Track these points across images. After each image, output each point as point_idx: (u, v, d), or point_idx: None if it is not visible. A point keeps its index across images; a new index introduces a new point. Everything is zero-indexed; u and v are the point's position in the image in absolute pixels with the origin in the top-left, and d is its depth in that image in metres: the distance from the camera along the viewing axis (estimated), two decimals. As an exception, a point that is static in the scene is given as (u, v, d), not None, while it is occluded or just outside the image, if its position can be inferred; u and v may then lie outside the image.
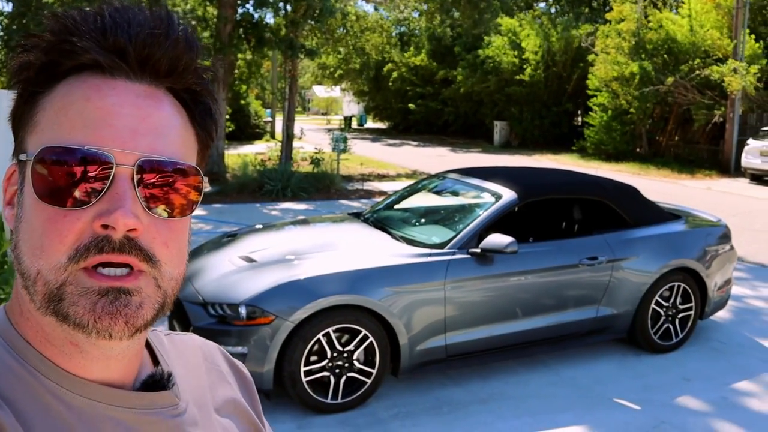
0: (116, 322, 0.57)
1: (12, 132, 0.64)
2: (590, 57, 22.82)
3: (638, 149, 22.26)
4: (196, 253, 4.45)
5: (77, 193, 0.57)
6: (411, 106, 32.55)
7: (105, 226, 0.56)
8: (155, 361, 0.72)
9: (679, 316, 4.92)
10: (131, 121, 0.59)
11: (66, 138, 0.57)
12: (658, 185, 15.47)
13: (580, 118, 27.56)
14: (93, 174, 0.57)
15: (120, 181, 0.57)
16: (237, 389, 0.83)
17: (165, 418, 0.66)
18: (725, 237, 5.24)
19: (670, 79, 19.02)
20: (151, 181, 0.59)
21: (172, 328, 3.97)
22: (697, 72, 18.76)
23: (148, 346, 0.72)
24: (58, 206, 0.57)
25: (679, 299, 4.90)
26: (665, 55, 20.10)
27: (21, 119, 0.62)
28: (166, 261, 0.61)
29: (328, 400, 3.78)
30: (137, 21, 0.60)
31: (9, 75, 0.63)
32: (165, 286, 0.62)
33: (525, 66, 26.23)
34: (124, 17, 0.59)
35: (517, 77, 26.31)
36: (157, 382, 0.68)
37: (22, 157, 0.61)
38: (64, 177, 0.57)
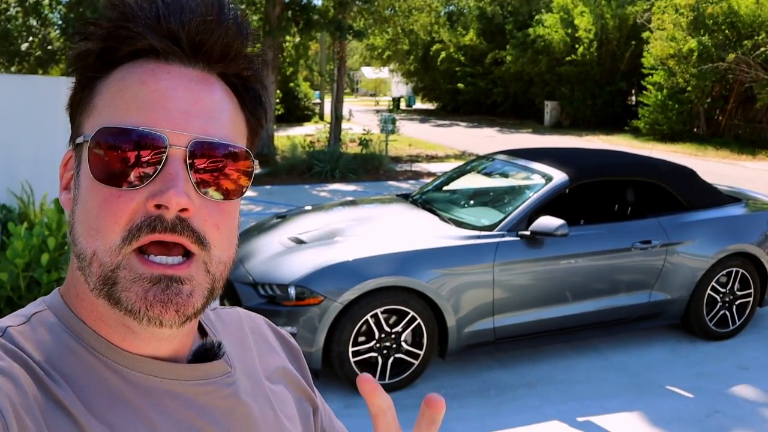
0: (167, 310, 0.58)
1: (69, 119, 0.66)
2: (645, 34, 22.06)
3: (695, 129, 21.48)
4: (246, 235, 4.54)
5: (131, 174, 0.58)
6: (460, 85, 32.21)
7: (158, 206, 0.57)
8: (202, 334, 0.73)
9: (737, 302, 4.76)
10: (184, 103, 0.60)
11: (121, 119, 0.59)
12: (716, 167, 14.93)
13: (633, 98, 26.76)
14: (147, 155, 0.58)
15: (173, 162, 0.58)
16: (285, 358, 0.84)
17: (220, 387, 0.67)
18: (788, 221, 5.03)
19: (731, 56, 18.23)
20: (203, 163, 0.60)
21: (224, 306, 4.07)
22: (763, 48, 17.90)
23: None
24: (113, 186, 0.58)
25: (737, 285, 4.74)
26: (726, 30, 19.24)
27: (79, 105, 0.64)
28: (217, 244, 0.62)
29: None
30: (189, 7, 0.61)
31: (67, 62, 0.65)
32: (214, 271, 0.62)
33: (577, 45, 25.56)
34: (176, 4, 0.60)
35: (569, 57, 25.66)
36: (208, 351, 0.69)
37: (79, 140, 0.62)
38: (119, 158, 0.58)
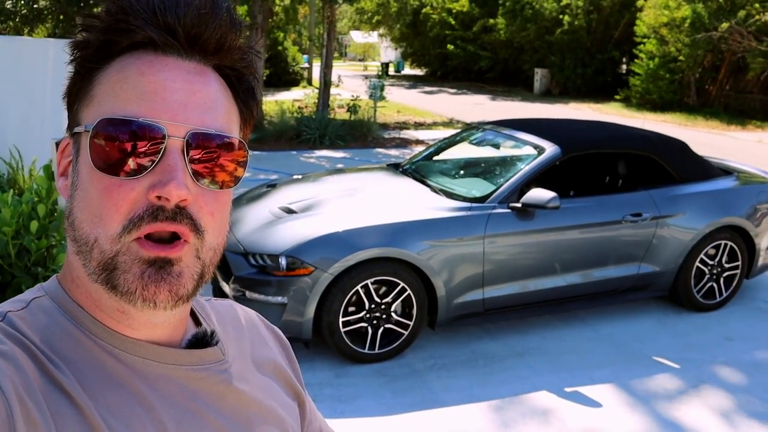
0: (161, 290, 0.60)
1: (66, 107, 0.67)
2: (639, 2, 21.85)
3: (686, 99, 21.46)
4: (235, 203, 4.49)
5: (131, 164, 0.59)
6: (449, 47, 31.81)
7: (159, 197, 0.59)
8: (197, 323, 0.75)
9: (725, 274, 4.80)
10: (182, 95, 0.62)
11: (121, 110, 0.60)
12: (706, 137, 14.96)
13: (624, 67, 26.62)
14: (146, 145, 0.59)
15: (171, 153, 0.60)
16: (277, 353, 0.86)
17: (214, 373, 0.70)
18: (777, 194, 5.05)
19: (724, 25, 18.13)
20: (200, 153, 0.62)
21: (214, 277, 4.05)
22: (757, 17, 17.80)
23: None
24: (114, 175, 0.59)
25: (725, 257, 4.78)
26: None
27: (77, 95, 0.65)
28: (210, 231, 0.64)
29: (365, 350, 3.83)
30: (184, 1, 0.62)
31: (69, 52, 0.65)
32: (204, 257, 0.64)
33: (566, 13, 25.28)
34: None
35: (558, 29, 25.41)
36: (202, 339, 0.72)
37: (78, 129, 0.63)
38: (120, 147, 0.59)
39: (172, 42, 0.62)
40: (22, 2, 17.02)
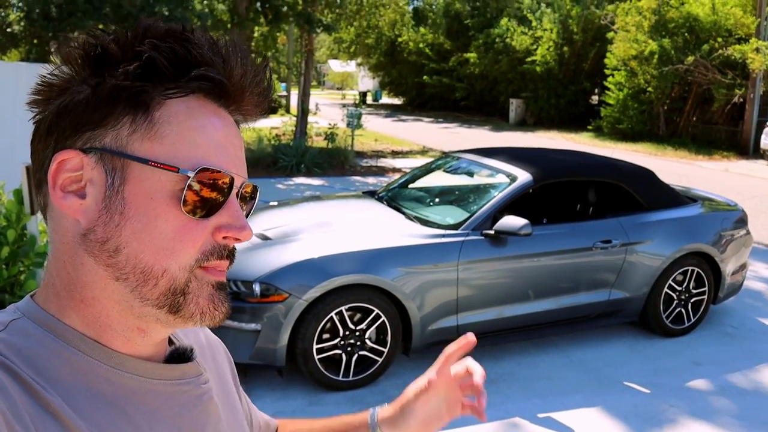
0: (222, 311, 0.68)
1: (74, 118, 0.63)
2: (609, 35, 22.46)
3: (655, 129, 21.99)
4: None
5: (208, 207, 0.65)
6: (426, 78, 32.29)
7: (225, 237, 0.66)
8: (170, 341, 0.78)
9: (692, 300, 4.91)
10: (236, 150, 0.69)
11: (203, 158, 0.65)
12: (674, 166, 15.31)
13: (596, 98, 27.23)
14: (219, 192, 0.66)
15: (234, 201, 0.68)
16: (227, 364, 0.90)
17: (196, 386, 0.73)
18: (741, 221, 5.20)
19: (690, 58, 18.72)
20: (245, 200, 0.72)
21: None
22: (720, 51, 18.42)
23: None
24: (194, 216, 0.64)
25: (692, 283, 4.89)
26: (686, 34, 19.73)
27: (121, 117, 0.63)
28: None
29: (340, 378, 3.82)
30: (249, 59, 0.68)
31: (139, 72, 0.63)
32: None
33: (537, 46, 25.89)
34: (237, 50, 0.67)
35: (530, 58, 26.00)
36: (181, 355, 0.75)
37: (138, 160, 0.62)
38: (209, 195, 0.65)
39: (228, 93, 0.68)
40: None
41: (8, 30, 17.20)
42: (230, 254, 0.68)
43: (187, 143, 0.64)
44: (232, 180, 0.66)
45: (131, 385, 0.65)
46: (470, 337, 0.98)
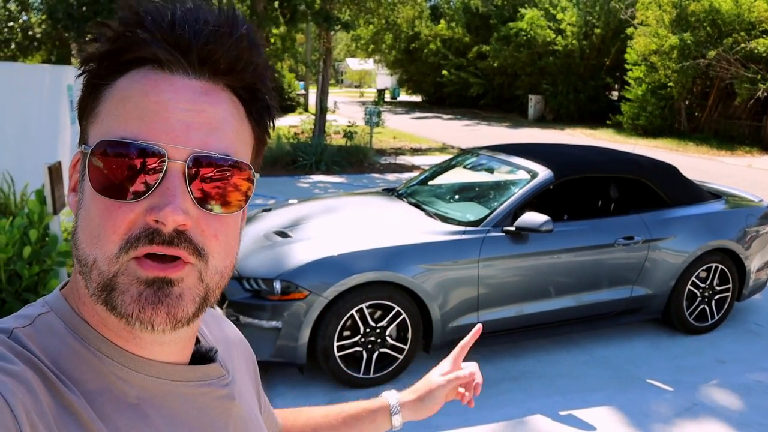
0: (158, 313, 0.59)
1: (78, 122, 0.66)
2: (629, 30, 22.21)
3: (677, 125, 21.70)
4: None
5: (130, 187, 0.58)
6: (444, 72, 32.17)
7: (156, 221, 0.58)
8: (195, 340, 0.75)
9: (716, 297, 4.84)
10: (185, 116, 0.59)
11: (121, 130, 0.59)
12: (696, 162, 15.11)
13: (616, 93, 26.95)
14: (146, 168, 0.58)
15: (171, 177, 0.58)
16: (252, 366, 0.89)
17: (217, 388, 0.71)
18: (766, 217, 5.12)
19: (712, 53, 18.43)
20: (203, 176, 0.60)
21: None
22: (742, 45, 18.12)
23: None
24: (113, 198, 0.58)
25: (716, 280, 4.82)
26: (708, 28, 19.43)
27: (85, 110, 0.64)
28: (215, 254, 0.62)
29: (360, 375, 3.83)
30: (204, 18, 0.60)
31: (78, 65, 0.64)
32: (208, 280, 0.62)
33: (560, 38, 25.69)
34: (193, 13, 0.61)
35: (551, 48, 25.78)
36: (205, 355, 0.73)
37: (85, 148, 0.62)
38: (119, 170, 0.58)
39: (180, 60, 0.60)
40: (18, 30, 17.17)
41: (30, 33, 17.46)
42: (169, 240, 0.58)
43: (109, 117, 0.60)
44: (155, 151, 0.58)
45: (150, 387, 0.64)
46: (479, 327, 1.23)
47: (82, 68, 0.63)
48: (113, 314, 0.59)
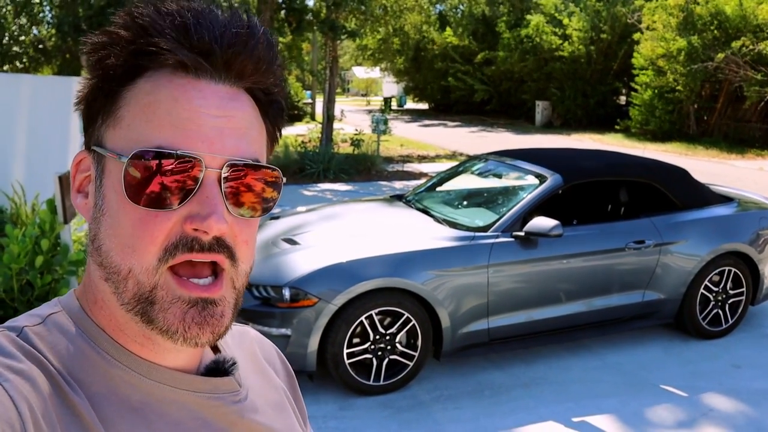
0: (203, 332, 0.60)
1: (83, 119, 0.64)
2: (636, 35, 22.16)
3: (686, 129, 21.59)
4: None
5: (168, 196, 0.58)
6: (450, 79, 32.19)
7: (196, 229, 0.58)
8: (215, 349, 0.74)
9: (730, 301, 4.79)
10: (217, 122, 0.59)
11: (155, 138, 0.58)
12: (706, 166, 15.02)
13: (624, 98, 26.87)
14: (185, 177, 0.58)
15: (209, 185, 0.58)
16: (287, 386, 0.85)
17: (226, 404, 0.68)
18: (780, 220, 5.06)
19: (720, 56, 18.35)
20: (237, 183, 0.60)
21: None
22: (751, 47, 18.03)
23: None
24: (149, 207, 0.58)
25: (729, 284, 4.77)
26: (715, 31, 19.36)
27: (99, 111, 0.62)
28: (244, 258, 0.63)
29: (370, 382, 3.81)
30: (220, 22, 0.60)
31: (88, 69, 0.63)
32: (239, 285, 0.64)
33: (566, 44, 25.67)
34: (207, 17, 0.60)
35: (557, 54, 25.76)
36: (220, 367, 0.70)
37: (102, 151, 0.61)
38: (157, 180, 0.57)
39: (204, 65, 0.59)
40: (29, 43, 17.36)
41: (40, 46, 17.65)
42: (208, 247, 0.59)
43: (139, 123, 0.59)
44: (192, 160, 0.58)
45: (156, 393, 0.63)
46: None
47: (96, 73, 0.61)
48: (149, 326, 0.60)
